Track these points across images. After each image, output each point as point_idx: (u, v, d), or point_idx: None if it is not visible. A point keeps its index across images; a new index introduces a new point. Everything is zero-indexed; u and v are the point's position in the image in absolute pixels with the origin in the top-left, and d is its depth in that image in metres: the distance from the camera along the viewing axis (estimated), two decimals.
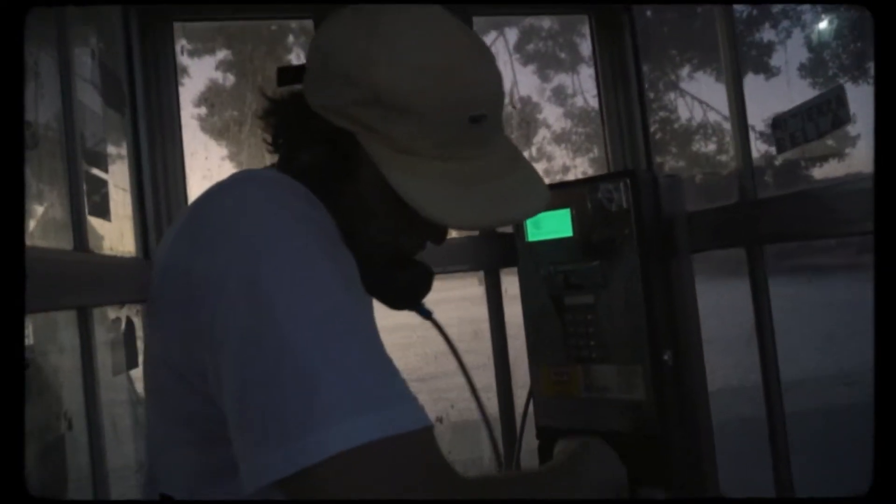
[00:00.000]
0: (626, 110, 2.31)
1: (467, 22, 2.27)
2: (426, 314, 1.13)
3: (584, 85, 2.50)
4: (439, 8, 0.96)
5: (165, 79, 2.10)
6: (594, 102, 2.39)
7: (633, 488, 1.61)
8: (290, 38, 2.54)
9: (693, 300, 1.85)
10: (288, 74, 1.00)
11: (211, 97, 2.61)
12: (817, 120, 1.48)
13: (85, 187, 1.64)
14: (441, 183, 0.90)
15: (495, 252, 2.07)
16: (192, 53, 2.53)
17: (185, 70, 2.40)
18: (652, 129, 2.22)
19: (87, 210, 1.63)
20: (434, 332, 1.31)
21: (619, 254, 1.63)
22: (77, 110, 1.62)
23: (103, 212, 1.80)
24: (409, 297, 1.08)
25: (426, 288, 1.09)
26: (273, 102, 1.01)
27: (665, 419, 1.60)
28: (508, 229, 1.91)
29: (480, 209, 0.91)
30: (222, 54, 2.55)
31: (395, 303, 1.07)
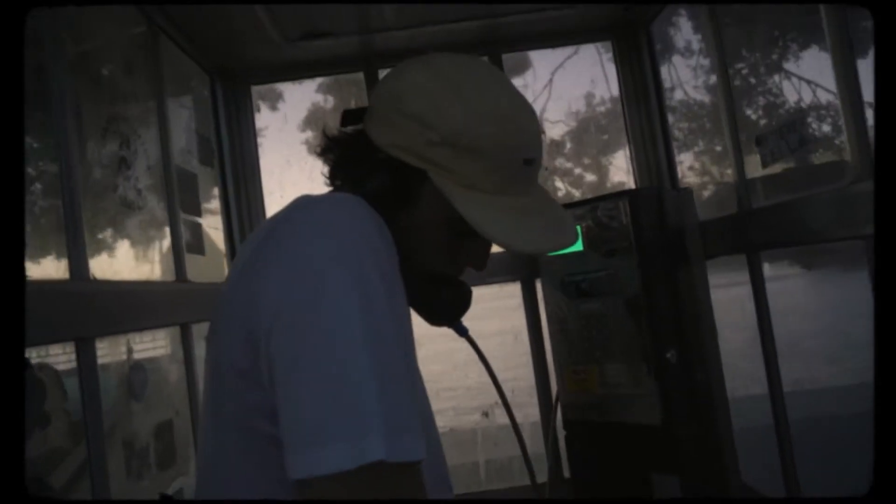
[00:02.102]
0: (649, 127, 2.25)
1: (497, 62, 2.31)
2: (463, 331, 1.11)
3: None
4: (485, 61, 1.03)
5: (247, 134, 2.27)
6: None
7: (647, 474, 1.61)
8: None
9: (706, 302, 1.82)
10: (353, 116, 1.04)
11: (314, 120, 2.56)
12: (788, 138, 1.40)
13: (183, 230, 1.81)
14: (504, 213, 0.92)
15: (530, 265, 2.09)
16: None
17: (280, 96, 2.49)
18: (755, 115, 1.88)
19: (184, 248, 1.81)
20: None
21: (622, 264, 1.68)
22: (173, 171, 1.78)
23: (199, 249, 1.96)
24: (450, 313, 1.07)
25: (465, 306, 1.08)
26: (334, 140, 1.04)
27: (669, 412, 1.61)
28: None
29: (537, 236, 0.95)
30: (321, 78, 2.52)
31: (435, 319, 1.07)
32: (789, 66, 1.65)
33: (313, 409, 0.69)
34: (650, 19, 2.19)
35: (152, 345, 1.78)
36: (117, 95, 1.61)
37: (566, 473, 1.95)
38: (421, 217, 0.94)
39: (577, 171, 2.55)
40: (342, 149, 1.01)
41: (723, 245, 1.80)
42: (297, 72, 2.28)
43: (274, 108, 2.51)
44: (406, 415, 0.71)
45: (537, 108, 2.36)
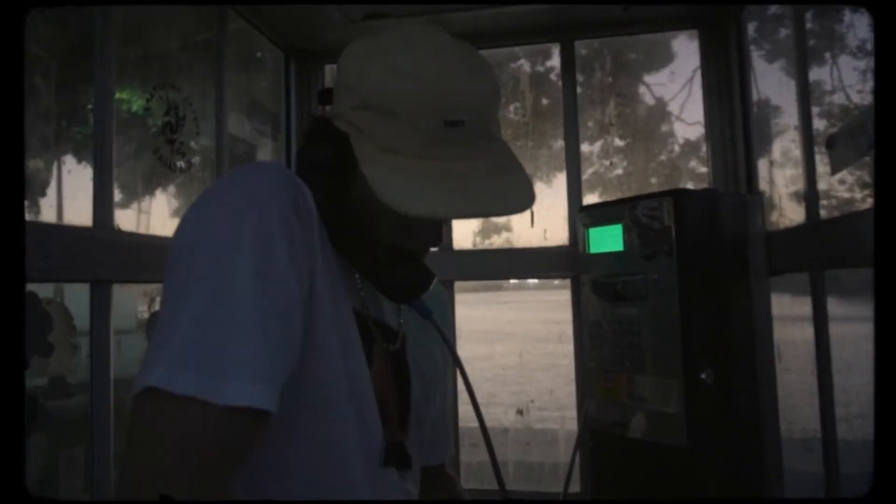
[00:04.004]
0: (730, 126, 2.07)
1: (570, 48, 2.19)
2: (425, 313, 1.06)
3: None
4: (438, 28, 0.98)
5: (316, 111, 2.25)
6: None
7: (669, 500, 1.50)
8: None
9: (766, 323, 1.65)
10: (325, 95, 1.03)
11: None
12: (857, 140, 1.28)
13: None
14: (407, 175, 0.89)
15: (578, 262, 1.95)
16: None
17: None
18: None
19: None
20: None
21: (661, 269, 1.54)
22: (226, 140, 1.84)
23: None
24: (407, 292, 1.04)
25: (423, 286, 1.04)
26: (311, 119, 1.07)
27: (696, 435, 1.47)
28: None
29: (438, 202, 0.88)
30: None
31: (394, 296, 1.05)
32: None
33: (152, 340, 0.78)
34: (739, 9, 2.00)
35: None
36: (169, 66, 1.69)
37: (582, 486, 1.87)
38: (364, 189, 0.90)
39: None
40: (310, 127, 1.02)
41: (788, 260, 1.62)
42: None
43: None
44: (210, 356, 0.73)
45: (675, 107, 2.29)
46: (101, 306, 1.30)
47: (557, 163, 2.24)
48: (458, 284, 2.09)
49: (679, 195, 1.56)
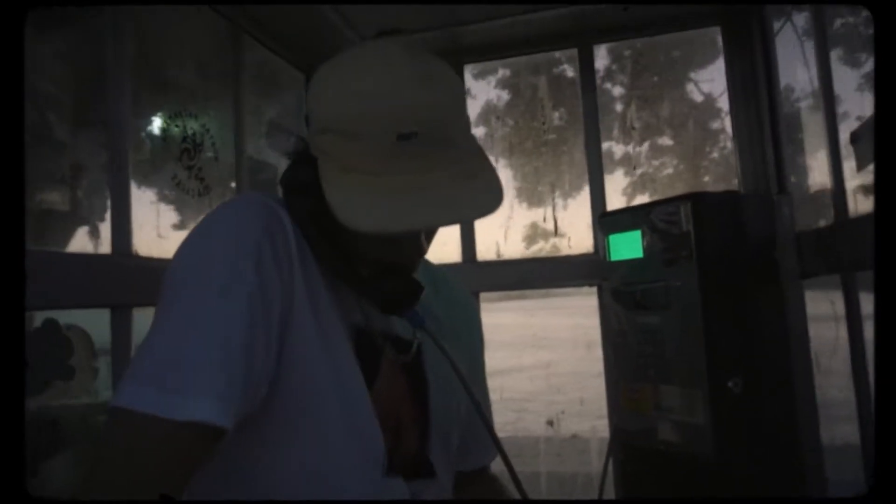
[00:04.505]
0: (757, 124, 2.01)
1: (588, 52, 2.16)
2: (417, 322, 1.05)
3: None
4: (392, 42, 0.98)
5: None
6: None
7: None
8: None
9: (800, 328, 1.59)
10: (307, 120, 1.05)
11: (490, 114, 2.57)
12: None
13: None
14: (363, 193, 0.90)
15: (604, 269, 1.91)
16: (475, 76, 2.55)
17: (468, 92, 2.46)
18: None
19: None
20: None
21: (681, 276, 1.49)
22: (244, 163, 1.88)
23: None
24: (394, 304, 1.03)
25: (411, 299, 1.03)
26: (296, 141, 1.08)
27: (725, 447, 1.42)
28: None
29: (387, 217, 0.90)
30: (501, 73, 2.53)
31: (383, 307, 1.04)
32: None
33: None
34: (761, 5, 1.95)
35: None
36: (184, 93, 1.73)
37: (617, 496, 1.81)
38: None
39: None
40: (294, 150, 1.05)
41: (818, 262, 1.55)
42: None
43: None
44: (171, 374, 0.80)
45: (725, 103, 2.19)
46: (121, 330, 1.35)
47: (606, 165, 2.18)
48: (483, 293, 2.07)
49: (697, 198, 1.51)
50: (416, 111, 0.90)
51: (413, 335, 1.09)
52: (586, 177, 2.08)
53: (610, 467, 1.79)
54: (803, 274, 1.60)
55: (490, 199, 0.94)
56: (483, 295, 2.05)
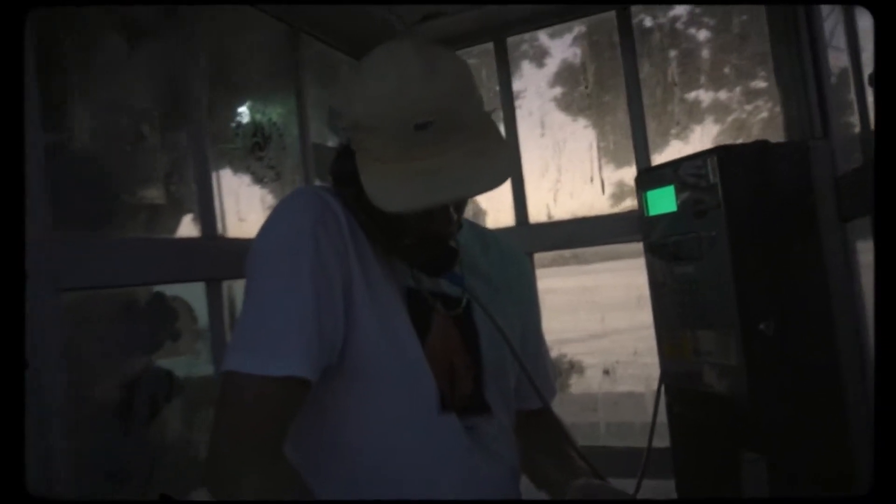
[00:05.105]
0: (800, 69, 1.84)
1: (627, 21, 2.02)
2: (457, 281, 1.17)
3: None
4: (403, 40, 1.12)
5: None
6: None
7: (734, 452, 1.44)
8: None
9: (842, 272, 1.51)
10: None
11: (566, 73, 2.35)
12: None
13: None
14: (389, 178, 1.00)
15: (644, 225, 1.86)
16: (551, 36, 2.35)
17: (546, 51, 2.37)
18: None
19: None
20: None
21: (712, 227, 1.47)
22: (309, 152, 1.91)
23: None
24: (434, 267, 1.14)
25: (448, 262, 1.15)
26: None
27: (756, 387, 1.40)
28: None
29: (410, 197, 0.99)
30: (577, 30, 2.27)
31: (426, 270, 1.16)
32: None
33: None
34: None
35: None
36: (252, 92, 1.86)
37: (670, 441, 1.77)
38: None
39: None
40: (339, 144, 1.17)
41: (854, 205, 1.46)
42: None
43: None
44: (266, 341, 0.97)
45: None
46: (215, 300, 1.51)
47: (694, 115, 2.05)
48: (539, 260, 2.06)
49: (723, 152, 1.48)
50: (426, 103, 0.98)
51: (462, 293, 1.18)
52: (673, 131, 1.96)
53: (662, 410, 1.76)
54: (844, 218, 1.52)
55: (497, 174, 1.03)
56: (539, 261, 2.04)
